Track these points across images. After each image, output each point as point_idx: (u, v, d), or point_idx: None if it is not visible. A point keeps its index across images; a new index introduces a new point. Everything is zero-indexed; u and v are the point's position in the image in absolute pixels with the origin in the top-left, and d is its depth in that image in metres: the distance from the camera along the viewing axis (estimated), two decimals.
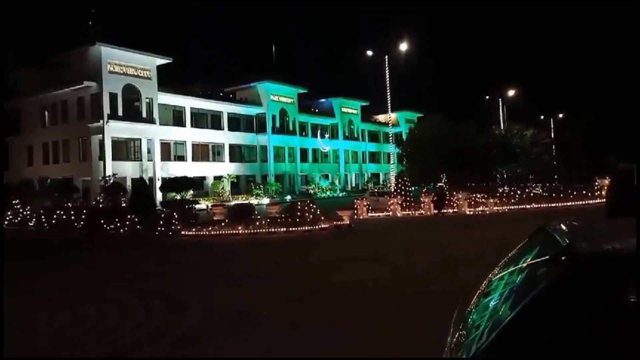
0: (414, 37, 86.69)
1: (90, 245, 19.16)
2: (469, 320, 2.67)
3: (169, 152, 46.15)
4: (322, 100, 68.01)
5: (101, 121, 39.48)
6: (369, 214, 26.45)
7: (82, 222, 24.51)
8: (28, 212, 27.86)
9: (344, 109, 68.27)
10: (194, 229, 20.73)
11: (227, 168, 50.89)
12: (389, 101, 40.95)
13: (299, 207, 20.59)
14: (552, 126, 60.63)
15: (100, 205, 26.89)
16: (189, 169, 45.94)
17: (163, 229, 21.10)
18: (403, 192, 27.39)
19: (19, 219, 27.89)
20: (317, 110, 67.08)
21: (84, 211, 25.37)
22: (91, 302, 8.89)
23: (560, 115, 64.45)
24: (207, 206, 35.23)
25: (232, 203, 33.57)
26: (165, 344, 6.49)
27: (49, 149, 44.45)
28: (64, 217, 25.54)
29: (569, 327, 2.07)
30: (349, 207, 23.67)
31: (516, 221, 18.84)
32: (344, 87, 71.70)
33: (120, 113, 40.50)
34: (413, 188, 29.85)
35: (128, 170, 40.43)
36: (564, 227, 2.89)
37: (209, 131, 50.26)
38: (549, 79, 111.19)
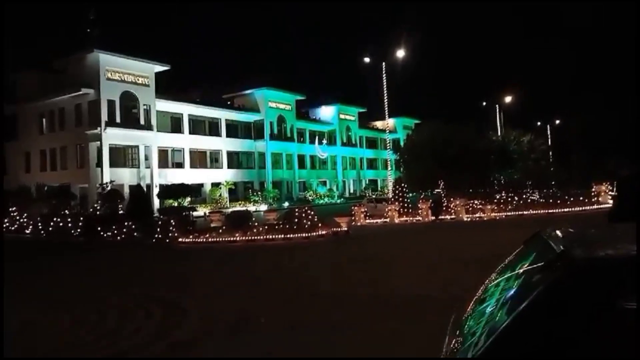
0: (411, 43, 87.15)
1: (88, 252, 19.10)
2: (465, 327, 2.67)
3: (166, 159, 46.14)
4: (320, 106, 68.27)
5: (99, 128, 39.48)
6: (367, 221, 26.45)
7: (79, 229, 24.44)
8: (25, 219, 27.76)
9: (341, 116, 68.45)
10: (191, 236, 20.69)
11: (224, 175, 50.87)
12: (387, 108, 41.10)
13: (297, 213, 20.58)
14: (549, 132, 60.89)
15: (98, 213, 26.82)
16: (187, 176, 45.91)
17: (160, 236, 21.06)
18: (401, 199, 27.41)
19: (15, 226, 27.79)
20: (315, 117, 67.30)
21: (81, 218, 25.30)
22: (89, 306, 8.87)
23: (558, 122, 64.73)
24: (205, 213, 35.13)
25: (230, 210, 33.53)
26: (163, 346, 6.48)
27: (46, 156, 44.39)
28: (61, 224, 25.47)
29: (565, 333, 2.08)
30: (347, 214, 23.67)
31: (513, 227, 18.87)
32: (341, 94, 71.86)
33: (118, 120, 40.50)
34: (411, 194, 29.87)
35: (125, 177, 40.38)
36: (559, 233, 2.91)
37: (206, 138, 50.29)
38: (547, 81, 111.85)
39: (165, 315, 8.30)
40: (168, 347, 6.63)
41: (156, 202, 39.50)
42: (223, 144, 51.86)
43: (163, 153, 45.46)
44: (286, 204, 48.96)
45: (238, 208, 40.47)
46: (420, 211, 26.55)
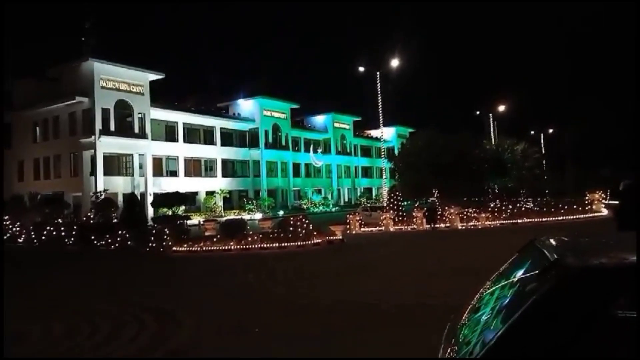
0: (406, 52, 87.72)
1: (81, 261, 18.96)
2: (460, 335, 2.68)
3: (161, 167, 46.01)
4: (315, 115, 68.41)
5: (93, 136, 39.36)
6: (362, 229, 26.44)
7: (72, 238, 24.27)
8: (17, 228, 27.54)
9: (336, 124, 68.64)
10: (185, 245, 20.60)
11: (219, 183, 50.77)
12: (381, 116, 41.27)
13: (292, 222, 20.55)
14: (542, 141, 61.31)
15: (91, 221, 26.66)
16: (181, 184, 45.79)
17: (154, 244, 20.95)
18: (395, 207, 27.44)
19: (8, 235, 27.55)
20: (309, 126, 67.43)
21: (75, 227, 25.14)
22: (82, 316, 8.79)
23: (552, 130, 65.21)
24: (199, 222, 35.02)
25: (224, 218, 33.45)
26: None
27: (40, 164, 44.16)
28: (54, 232, 25.28)
29: (560, 341, 2.09)
30: (342, 222, 23.67)
31: (507, 236, 18.93)
32: (336, 103, 72.20)
33: (112, 128, 40.41)
34: (405, 203, 29.91)
35: (120, 185, 40.21)
36: (552, 242, 2.93)
37: (201, 146, 50.25)
38: (542, 88, 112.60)
39: (159, 325, 8.24)
40: (164, 355, 6.59)
41: (150, 211, 39.33)
42: (218, 152, 51.80)
43: (157, 161, 45.36)
44: (281, 213, 48.85)
45: (233, 216, 40.36)
46: (415, 219, 26.57)
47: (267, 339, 7.17)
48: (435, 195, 32.47)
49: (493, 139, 52.35)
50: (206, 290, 11.62)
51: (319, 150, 65.73)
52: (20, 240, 26.74)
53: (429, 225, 25.99)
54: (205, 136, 51.29)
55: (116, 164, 41.84)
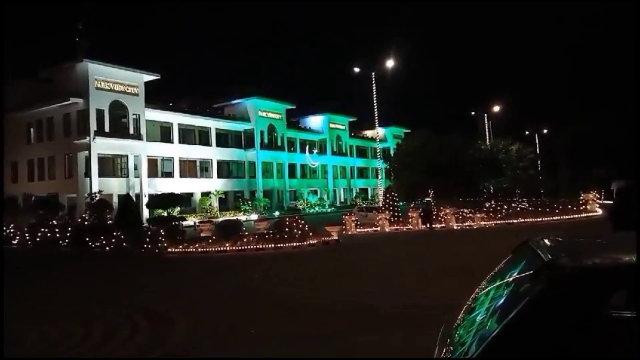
0: (401, 53, 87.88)
1: (76, 262, 18.88)
2: (456, 336, 2.69)
3: (156, 168, 45.88)
4: (311, 116, 68.42)
5: (87, 137, 39.21)
6: (358, 230, 26.48)
7: (67, 240, 24.16)
8: (12, 230, 27.39)
9: (332, 125, 68.68)
10: (180, 246, 20.56)
11: (215, 184, 50.70)
12: (377, 117, 41.34)
13: (287, 223, 20.57)
14: (537, 141, 61.55)
15: (86, 223, 26.55)
16: (177, 185, 45.67)
17: (149, 246, 20.89)
18: (391, 207, 27.52)
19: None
20: (305, 126, 67.43)
21: (69, 229, 25.03)
22: (77, 318, 8.76)
23: (546, 131, 65.49)
24: (195, 223, 34.87)
25: (220, 219, 33.40)
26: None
27: (34, 166, 43.94)
28: (49, 234, 25.16)
29: (554, 341, 2.10)
30: (338, 223, 23.71)
31: (502, 236, 19.01)
32: (332, 103, 72.22)
33: (107, 129, 40.28)
34: (401, 203, 29.98)
35: (114, 186, 40.08)
36: (547, 242, 2.94)
37: (196, 147, 50.15)
38: (536, 88, 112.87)
39: (153, 327, 8.21)
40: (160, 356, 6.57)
41: (145, 212, 39.19)
42: (213, 153, 51.72)
43: (152, 162, 45.22)
44: (277, 213, 48.79)
45: (228, 217, 40.28)
46: (410, 220, 26.67)
47: (264, 339, 7.16)
48: (430, 196, 32.57)
49: (488, 139, 52.52)
50: (202, 291, 11.60)
51: (315, 151, 65.72)
52: (15, 242, 26.58)
53: (424, 226, 26.07)
54: (200, 137, 51.19)
55: (111, 165, 41.69)
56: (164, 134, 47.34)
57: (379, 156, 44.65)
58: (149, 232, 21.72)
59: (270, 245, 19.62)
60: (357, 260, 15.71)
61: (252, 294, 10.93)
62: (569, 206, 28.47)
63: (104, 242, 22.44)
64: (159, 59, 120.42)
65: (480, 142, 48.04)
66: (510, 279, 2.78)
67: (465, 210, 27.55)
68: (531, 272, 2.41)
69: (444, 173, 36.20)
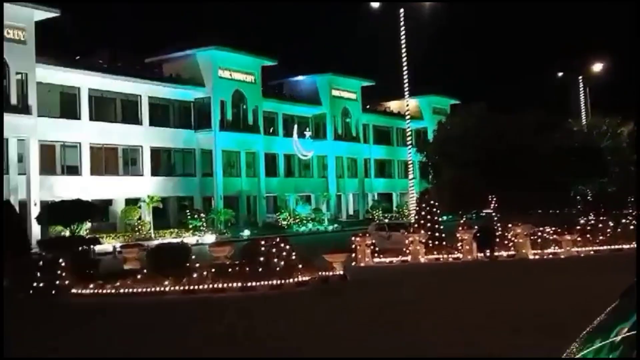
0: None
1: None
2: None
3: (53, 160, 45.71)
4: (301, 77, 68.60)
5: None
6: (376, 259, 26.40)
7: None
8: None
9: (335, 92, 68.85)
10: (92, 285, 20.40)
11: (147, 186, 50.55)
12: (406, 80, 41.21)
13: (264, 248, 20.45)
14: None
15: None
16: (86, 187, 45.43)
17: (42, 284, 20.74)
18: (429, 224, 27.47)
19: None
20: (292, 94, 67.65)
21: None
22: None
23: None
24: (115, 247, 34.82)
25: (156, 242, 33.23)
26: None
27: None
28: None
29: None
30: (343, 249, 23.60)
31: (606, 269, 18.94)
32: (335, 59, 72.35)
33: None
34: (445, 217, 29.95)
35: None
36: None
37: (118, 126, 49.94)
38: None
39: None
40: None
41: (36, 229, 39.01)
42: (145, 136, 51.59)
43: (48, 150, 45.03)
44: (246, 233, 48.73)
45: (169, 239, 40.03)
46: (460, 244, 26.62)
47: None
48: (491, 206, 32.51)
49: (584, 118, 52.58)
50: None
51: (308, 134, 65.82)
52: None
53: (482, 254, 26.06)
54: (125, 110, 51.12)
55: None
56: (66, 104, 47.15)
57: (409, 142, 44.60)
58: (42, 263, 21.55)
59: (234, 285, 19.48)
60: (375, 311, 15.50)
61: None
62: None
63: None
64: None
65: (571, 122, 48.17)
66: (618, 337, 2.70)
67: (547, 230, 27.45)
68: None
69: (512, 171, 36.19)
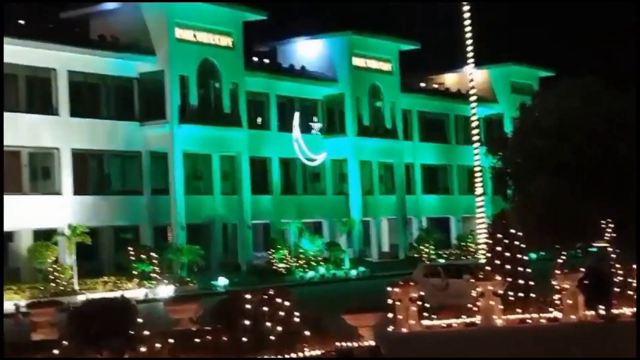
0: None
1: None
2: None
3: None
4: (305, 39, 69.16)
5: None
6: (425, 322, 26.23)
7: None
8: None
9: (358, 61, 69.23)
10: None
11: (66, 210, 50.50)
12: (470, 39, 41.09)
13: (250, 306, 20.37)
14: None
15: None
16: None
17: None
18: (509, 266, 27.30)
19: None
20: (291, 66, 67.86)
21: None
22: None
23: None
24: (17, 307, 34.81)
25: (81, 298, 33.26)
26: None
27: None
28: None
29: None
30: (375, 306, 23.47)
31: None
32: (356, 12, 71.84)
33: None
34: (534, 255, 29.73)
35: None
36: None
37: (20, 118, 49.94)
38: None
39: None
40: None
41: None
42: (62, 133, 51.59)
43: None
44: (222, 283, 48.84)
45: (102, 293, 40.00)
46: (558, 297, 26.45)
47: None
48: (606, 237, 32.34)
49: None
50: None
51: (317, 127, 65.95)
52: None
53: (592, 312, 25.82)
54: (30, 93, 51.32)
55: None
56: None
57: (476, 138, 44.37)
58: None
59: None
60: None
61: None
62: None
63: None
64: None
65: None
66: None
67: None
68: None
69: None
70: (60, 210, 50.37)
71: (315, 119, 66.18)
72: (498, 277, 26.97)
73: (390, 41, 70.78)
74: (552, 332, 24.90)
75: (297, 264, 57.35)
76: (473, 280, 27.93)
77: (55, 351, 20.60)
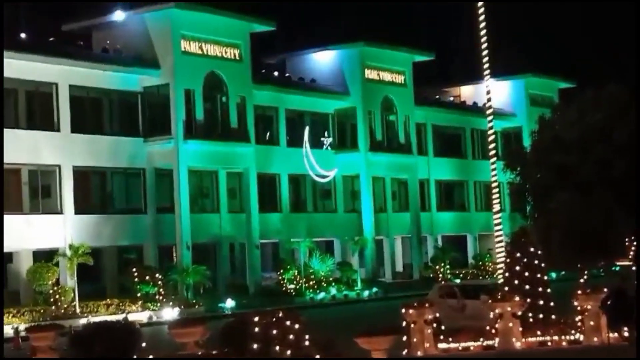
0: None
1: None
2: None
3: None
4: (315, 51, 69.20)
5: None
6: (441, 345, 26.19)
7: None
8: None
9: (371, 73, 69.31)
10: None
11: (68, 229, 50.50)
12: (486, 50, 41.14)
13: (258, 329, 20.38)
14: None
15: None
16: None
17: None
18: (528, 287, 27.24)
19: None
20: (300, 78, 67.90)
21: None
22: None
23: None
24: (17, 330, 34.83)
25: (83, 321, 33.31)
26: None
27: None
28: None
29: None
30: (389, 328, 23.44)
31: None
32: (368, 23, 71.90)
33: None
34: (554, 275, 29.70)
35: None
36: None
37: (21, 134, 50.04)
38: None
39: None
40: None
41: None
42: (64, 150, 51.65)
43: None
44: (230, 305, 48.85)
45: (104, 316, 40.03)
46: (580, 318, 26.37)
47: None
48: (629, 257, 32.33)
49: None
50: None
51: (327, 142, 65.99)
52: None
53: (616, 334, 25.74)
54: (31, 108, 51.47)
55: None
56: None
57: (493, 153, 44.37)
58: None
59: None
60: None
61: None
62: None
63: None
64: None
65: None
66: None
67: None
68: None
69: None
70: (62, 230, 50.40)
71: (326, 133, 66.21)
72: (517, 298, 26.88)
73: (404, 52, 70.88)
74: (574, 355, 24.82)
75: (308, 285, 57.20)
76: (491, 301, 27.86)
77: None
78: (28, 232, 48.98)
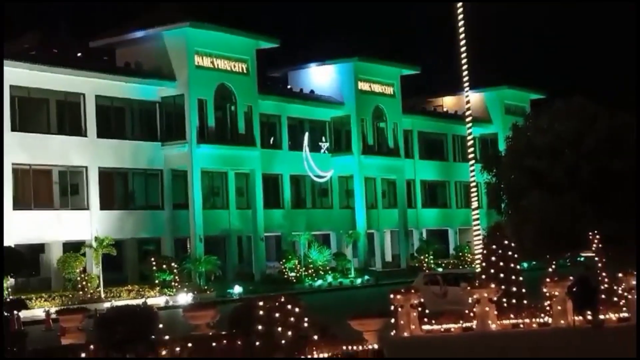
0: None
1: None
2: None
3: None
4: (314, 65, 69.02)
5: None
6: (425, 326, 26.09)
7: None
8: None
9: (363, 85, 69.18)
10: None
11: (94, 224, 50.43)
12: (465, 64, 41.05)
13: (263, 312, 20.32)
14: None
15: None
16: (6, 226, 45.44)
17: None
18: (503, 275, 27.18)
19: None
20: (300, 90, 67.89)
21: None
22: None
23: None
24: (48, 313, 34.74)
25: (107, 305, 33.20)
26: None
27: None
28: None
29: None
30: (378, 312, 23.42)
31: None
32: (361, 40, 72.02)
33: None
34: (525, 265, 29.59)
35: None
36: None
37: (52, 139, 50.04)
38: None
39: None
40: None
41: None
42: (90, 153, 51.60)
43: None
44: (237, 290, 48.84)
45: (126, 300, 39.95)
46: (548, 303, 26.33)
47: None
48: (593, 247, 32.20)
49: None
50: None
51: (325, 146, 65.93)
52: None
53: (580, 317, 25.71)
54: (61, 116, 51.32)
55: None
56: None
57: (472, 156, 44.33)
58: None
59: None
60: None
61: None
62: None
63: None
64: None
65: None
66: None
67: None
68: None
69: (625, 196, 35.83)
70: (88, 224, 50.43)
71: (323, 138, 66.12)
72: (493, 285, 26.90)
73: (393, 67, 70.77)
74: (543, 336, 24.83)
75: (307, 273, 57.19)
76: (470, 288, 27.86)
77: (83, 354, 20.62)
78: (58, 226, 49.02)
